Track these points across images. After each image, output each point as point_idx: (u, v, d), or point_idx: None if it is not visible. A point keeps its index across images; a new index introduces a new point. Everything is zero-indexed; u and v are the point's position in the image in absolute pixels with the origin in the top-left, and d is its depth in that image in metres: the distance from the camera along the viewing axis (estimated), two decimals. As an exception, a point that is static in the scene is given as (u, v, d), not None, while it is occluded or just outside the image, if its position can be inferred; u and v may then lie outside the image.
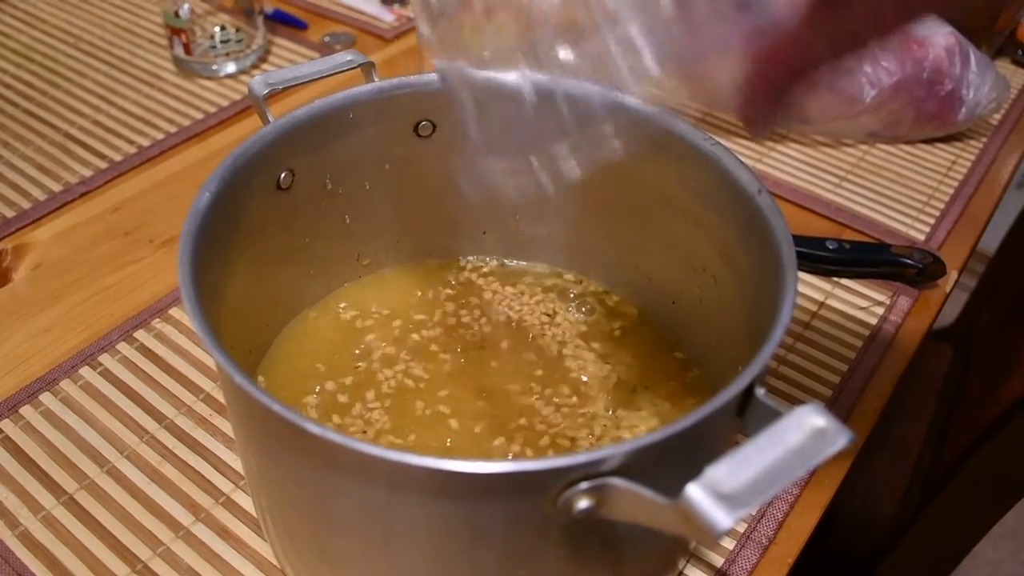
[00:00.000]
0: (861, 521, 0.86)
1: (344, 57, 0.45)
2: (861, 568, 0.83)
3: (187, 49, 0.74)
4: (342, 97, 0.43)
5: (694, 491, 0.26)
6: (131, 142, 0.69)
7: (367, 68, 0.45)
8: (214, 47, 0.75)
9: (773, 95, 0.31)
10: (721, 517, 0.25)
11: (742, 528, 0.46)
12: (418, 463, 0.28)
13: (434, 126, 0.46)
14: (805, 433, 0.28)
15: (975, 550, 0.77)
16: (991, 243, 0.99)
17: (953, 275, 0.62)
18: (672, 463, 0.30)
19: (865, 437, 0.51)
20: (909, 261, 0.59)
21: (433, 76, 0.45)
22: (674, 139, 0.42)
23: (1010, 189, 0.71)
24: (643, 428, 0.45)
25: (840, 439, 0.27)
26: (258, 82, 0.43)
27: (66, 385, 0.51)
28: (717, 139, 0.42)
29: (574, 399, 0.46)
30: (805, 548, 0.46)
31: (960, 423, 0.84)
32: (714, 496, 0.26)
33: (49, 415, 0.50)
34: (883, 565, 0.80)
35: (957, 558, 0.78)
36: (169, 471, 0.47)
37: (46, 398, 0.50)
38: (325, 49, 0.81)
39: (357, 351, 0.48)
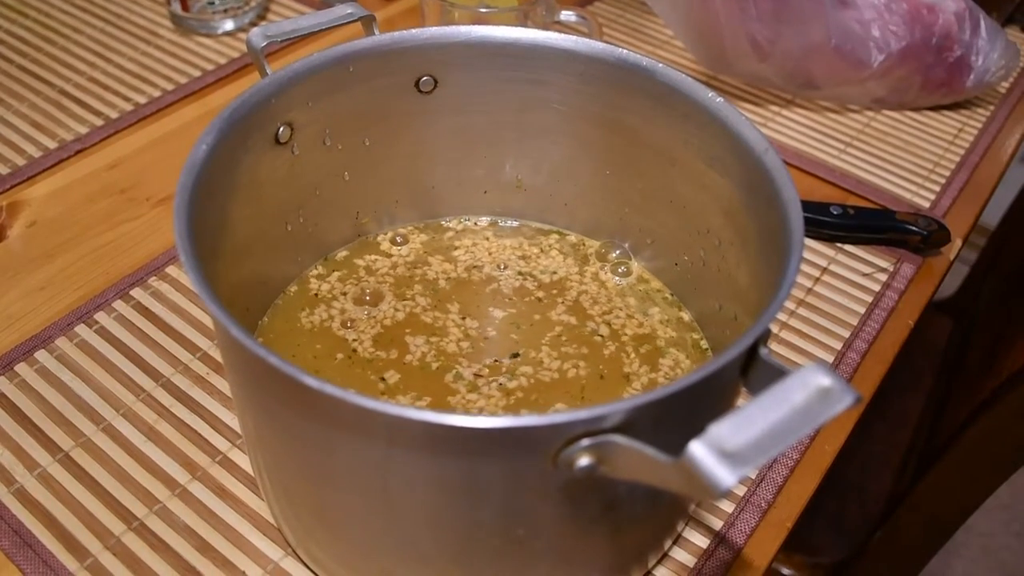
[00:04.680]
0: (858, 490, 0.87)
1: (344, 10, 0.44)
2: (856, 536, 0.83)
3: (184, 5, 0.73)
4: (342, 50, 0.42)
5: (697, 449, 0.25)
6: (127, 99, 0.68)
7: (368, 21, 0.44)
8: (212, 4, 0.73)
9: None
10: (724, 475, 0.25)
11: (741, 492, 0.46)
12: (417, 417, 0.28)
13: (436, 82, 0.46)
14: (810, 392, 0.27)
15: (968, 521, 0.77)
16: (993, 217, 0.99)
17: (957, 243, 0.61)
18: (675, 421, 0.30)
19: (867, 403, 0.51)
20: (914, 228, 0.59)
21: (435, 31, 0.44)
22: (680, 97, 0.42)
23: (1013, 164, 0.71)
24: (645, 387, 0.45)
25: (846, 398, 0.27)
26: (256, 34, 0.42)
27: (61, 343, 0.51)
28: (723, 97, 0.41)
29: (583, 353, 0.46)
30: (803, 513, 0.46)
31: (959, 395, 0.84)
32: (717, 454, 0.25)
33: (44, 373, 0.49)
34: (878, 534, 0.80)
35: (952, 529, 0.78)
36: (165, 429, 0.47)
37: (41, 356, 0.50)
38: (325, 8, 0.79)
39: (361, 308, 0.48)
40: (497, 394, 0.44)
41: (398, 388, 0.44)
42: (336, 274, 0.49)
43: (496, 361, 0.45)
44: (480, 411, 0.44)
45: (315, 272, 0.49)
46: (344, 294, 0.48)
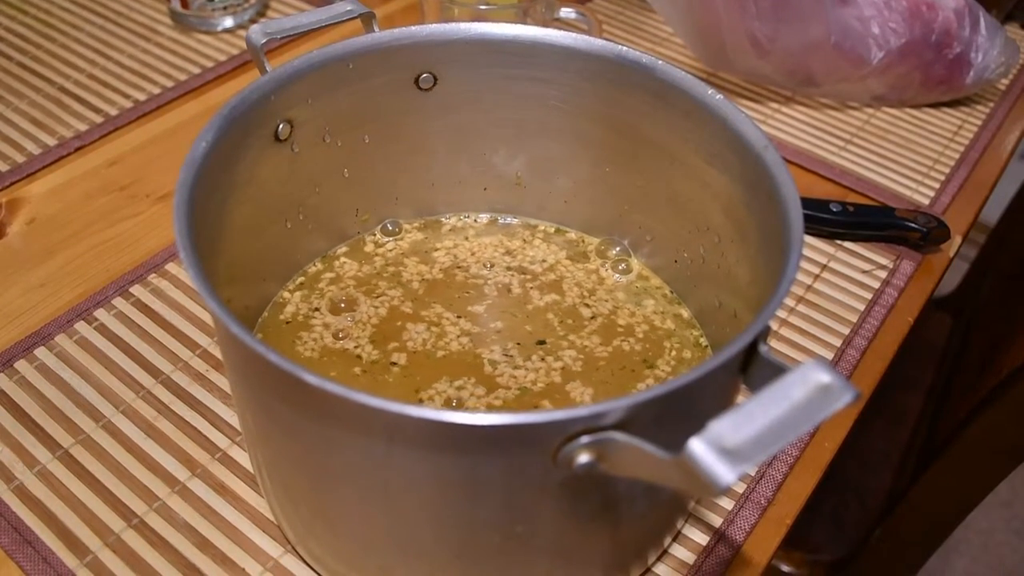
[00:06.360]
0: (857, 487, 0.87)
1: (344, 7, 0.44)
2: (856, 533, 0.83)
3: (184, 3, 0.73)
4: (341, 47, 0.42)
5: (696, 445, 0.25)
6: (127, 96, 0.68)
7: (367, 18, 0.44)
8: (211, 1, 0.73)
9: None
10: (724, 472, 0.25)
11: (741, 489, 0.46)
12: (417, 414, 0.28)
13: (435, 79, 0.46)
14: (810, 389, 0.27)
15: (968, 519, 0.77)
16: (993, 213, 0.99)
17: (957, 240, 0.61)
18: (675, 419, 0.30)
19: (867, 400, 0.51)
20: (913, 225, 0.59)
21: (435, 28, 0.44)
22: (679, 94, 0.42)
23: (1013, 160, 0.71)
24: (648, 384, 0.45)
25: (846, 395, 0.27)
26: (256, 31, 0.42)
27: (61, 340, 0.51)
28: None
29: (581, 354, 0.46)
30: (802, 510, 0.46)
31: (958, 393, 0.85)
32: (717, 451, 0.25)
33: (44, 370, 0.49)
34: (878, 531, 0.80)
35: (951, 526, 0.78)
36: (165, 426, 0.47)
37: (41, 353, 0.50)
38: (325, 4, 0.79)
39: (359, 307, 0.48)
40: (543, 365, 0.45)
41: (413, 374, 0.44)
42: (315, 281, 0.49)
43: (520, 344, 0.46)
44: (533, 383, 0.44)
45: (286, 291, 0.48)
46: (316, 310, 0.48)
